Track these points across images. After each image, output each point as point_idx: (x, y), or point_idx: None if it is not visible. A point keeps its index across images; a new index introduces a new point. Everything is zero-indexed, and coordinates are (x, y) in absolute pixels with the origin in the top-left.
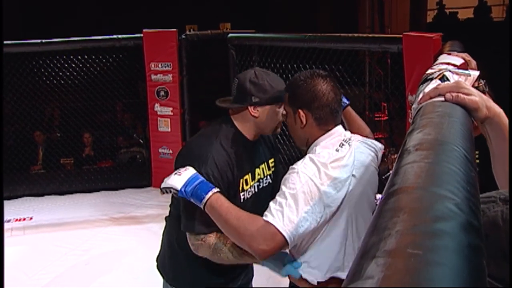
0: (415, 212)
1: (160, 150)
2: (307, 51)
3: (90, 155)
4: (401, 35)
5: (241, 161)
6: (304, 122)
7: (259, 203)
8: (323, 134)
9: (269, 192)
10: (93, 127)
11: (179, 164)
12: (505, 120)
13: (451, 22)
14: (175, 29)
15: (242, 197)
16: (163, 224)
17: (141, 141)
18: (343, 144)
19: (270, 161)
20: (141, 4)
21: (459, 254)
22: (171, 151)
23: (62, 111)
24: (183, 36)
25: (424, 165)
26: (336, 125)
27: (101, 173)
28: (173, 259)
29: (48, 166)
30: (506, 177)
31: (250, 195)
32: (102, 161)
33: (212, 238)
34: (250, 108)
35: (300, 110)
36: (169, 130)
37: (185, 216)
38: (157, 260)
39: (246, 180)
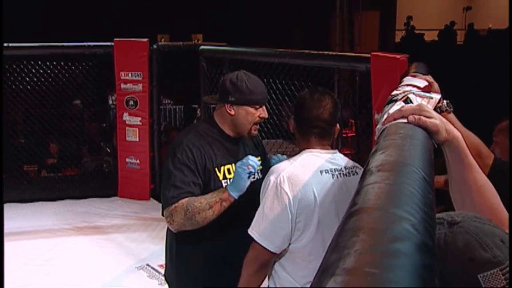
0: (374, 232)
1: (127, 160)
2: (277, 66)
3: (55, 163)
4: (369, 55)
5: (220, 151)
6: (292, 130)
7: (246, 195)
8: (309, 146)
9: (255, 189)
10: (59, 134)
11: (166, 156)
12: (463, 144)
13: (418, 43)
14: (146, 39)
15: (224, 184)
16: (128, 234)
17: (108, 150)
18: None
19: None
20: (113, 12)
21: (413, 274)
22: (138, 161)
23: (26, 117)
24: (155, 46)
25: (385, 186)
26: (320, 140)
27: (66, 181)
28: (175, 267)
29: (10, 173)
30: (461, 199)
31: None
32: (67, 169)
33: (184, 199)
34: (227, 106)
35: (292, 119)
36: (137, 139)
37: (162, 201)
38: (164, 273)
39: (228, 169)
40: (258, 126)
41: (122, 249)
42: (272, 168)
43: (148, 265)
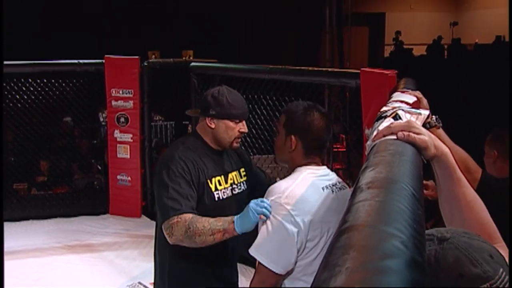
0: (364, 250)
1: (118, 177)
2: (268, 82)
3: (45, 181)
4: (359, 71)
5: (210, 163)
6: (293, 147)
7: (234, 206)
8: (306, 163)
9: (244, 198)
10: (50, 152)
11: (157, 172)
12: (452, 159)
13: (407, 58)
14: (137, 56)
15: (216, 196)
16: (119, 252)
17: (99, 167)
18: (325, 188)
19: (241, 170)
20: (103, 29)
21: None
22: (129, 178)
23: (17, 135)
24: (145, 63)
25: (375, 203)
26: (320, 157)
27: (56, 199)
28: (168, 285)
29: None
30: (451, 214)
31: (226, 196)
32: (58, 187)
33: (187, 215)
34: (208, 119)
35: (293, 136)
36: (129, 156)
37: (160, 212)
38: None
39: (219, 181)
40: (239, 140)
41: (113, 267)
42: (272, 187)
43: (140, 283)
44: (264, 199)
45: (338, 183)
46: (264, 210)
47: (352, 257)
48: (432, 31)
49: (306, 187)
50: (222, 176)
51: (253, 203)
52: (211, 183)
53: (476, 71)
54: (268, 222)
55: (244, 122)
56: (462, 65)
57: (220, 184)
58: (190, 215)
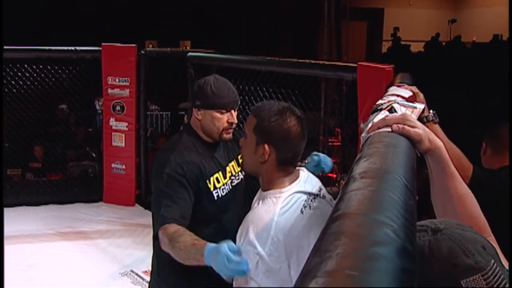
0: (356, 237)
1: (113, 165)
2: (264, 73)
3: (39, 167)
4: (356, 65)
5: (207, 161)
6: (266, 158)
7: (235, 198)
8: (280, 176)
9: (242, 187)
10: (45, 139)
11: (153, 180)
12: (445, 154)
13: (404, 54)
14: (134, 45)
15: (215, 195)
16: (112, 240)
17: (94, 155)
18: (305, 207)
19: (238, 157)
20: (102, 18)
21: (393, 277)
22: (124, 166)
23: (12, 120)
24: (142, 52)
25: (367, 192)
26: (294, 167)
27: (50, 186)
28: (163, 280)
29: None
30: (443, 207)
31: (225, 193)
32: (52, 174)
33: (173, 228)
34: (195, 110)
35: (265, 145)
36: (123, 145)
37: (154, 218)
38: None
39: (217, 178)
40: (231, 131)
41: (106, 255)
42: (253, 222)
43: (132, 271)
44: (241, 258)
45: (313, 193)
46: (235, 273)
47: (343, 243)
48: (430, 28)
49: (288, 217)
50: (220, 172)
51: (224, 256)
52: (210, 183)
53: (474, 69)
54: (259, 272)
55: (232, 112)
56: (460, 63)
57: (218, 182)
58: (174, 228)
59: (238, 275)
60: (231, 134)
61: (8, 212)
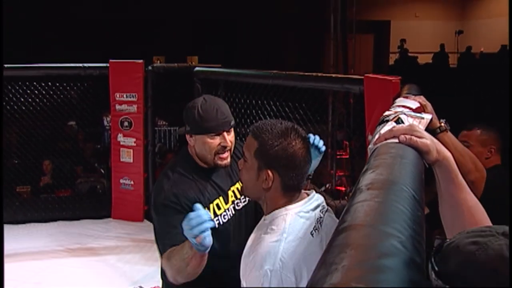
0: (362, 249)
1: (121, 181)
2: (272, 87)
3: (49, 184)
4: (362, 77)
5: (206, 186)
6: (270, 184)
7: (240, 223)
8: (286, 202)
9: (251, 209)
10: (54, 155)
11: (152, 209)
12: (453, 164)
13: (411, 66)
14: (141, 60)
15: (216, 223)
16: (121, 256)
17: (102, 171)
18: (316, 229)
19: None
20: (108, 33)
21: None
22: (132, 182)
23: (21, 138)
24: (150, 68)
25: (374, 204)
26: (300, 191)
27: (59, 202)
28: None
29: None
30: (451, 219)
31: (226, 219)
32: (61, 190)
33: (166, 253)
34: (187, 136)
35: (269, 171)
36: (132, 161)
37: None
38: None
39: (217, 205)
40: (226, 155)
41: (115, 271)
42: (257, 250)
43: (141, 287)
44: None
45: (322, 213)
46: (198, 230)
47: (349, 255)
48: (437, 39)
49: (298, 241)
50: (221, 198)
51: (185, 221)
52: (210, 210)
53: (484, 79)
54: None
55: (225, 134)
56: (471, 74)
57: (219, 208)
58: (167, 252)
59: (204, 228)
60: (228, 160)
61: (17, 229)
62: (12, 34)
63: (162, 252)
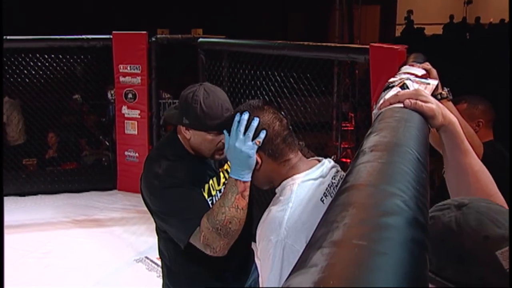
0: (364, 207)
1: (126, 153)
2: (276, 58)
3: (54, 157)
4: (368, 46)
5: (198, 168)
6: (260, 162)
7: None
8: (286, 167)
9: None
10: (58, 128)
11: (152, 199)
12: (459, 129)
13: (418, 37)
14: (144, 32)
15: (210, 203)
16: (126, 227)
17: (107, 144)
18: (326, 195)
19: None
20: (113, 6)
21: (403, 247)
22: (137, 154)
23: (25, 111)
24: (153, 39)
25: (377, 164)
26: (295, 153)
27: (65, 174)
28: (172, 280)
29: (9, 167)
30: (457, 184)
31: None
32: (67, 163)
33: (202, 222)
34: (183, 128)
35: (258, 155)
36: (136, 133)
37: (175, 230)
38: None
39: (212, 185)
40: (223, 152)
41: (120, 242)
42: (265, 221)
43: (146, 257)
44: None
45: (335, 179)
46: (249, 148)
47: (351, 214)
48: (444, 10)
49: (305, 209)
50: (214, 178)
51: (238, 145)
52: (204, 191)
53: (492, 49)
54: (273, 267)
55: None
56: (479, 44)
57: (213, 189)
58: (204, 218)
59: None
60: (224, 154)
61: (24, 201)
62: (12, 6)
63: (192, 228)
